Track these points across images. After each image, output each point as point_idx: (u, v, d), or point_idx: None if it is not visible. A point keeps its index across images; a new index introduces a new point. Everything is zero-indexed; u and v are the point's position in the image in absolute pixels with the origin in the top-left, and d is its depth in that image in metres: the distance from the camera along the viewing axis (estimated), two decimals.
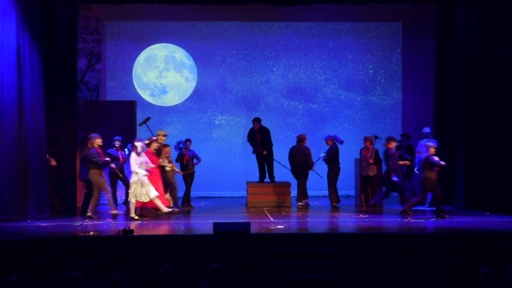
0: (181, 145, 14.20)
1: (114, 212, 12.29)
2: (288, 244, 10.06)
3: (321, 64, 16.84)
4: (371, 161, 13.61)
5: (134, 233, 10.17)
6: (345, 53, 16.83)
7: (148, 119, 13.72)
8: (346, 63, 16.86)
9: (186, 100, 16.77)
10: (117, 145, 13.52)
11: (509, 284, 6.86)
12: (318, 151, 16.18)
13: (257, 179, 14.67)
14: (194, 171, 13.86)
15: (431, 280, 6.98)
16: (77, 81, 14.43)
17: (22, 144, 12.06)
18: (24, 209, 12.05)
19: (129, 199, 12.26)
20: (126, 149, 13.70)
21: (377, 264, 7.11)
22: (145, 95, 16.68)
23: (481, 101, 13.32)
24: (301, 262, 9.69)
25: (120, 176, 13.23)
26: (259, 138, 14.37)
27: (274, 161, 14.67)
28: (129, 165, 13.59)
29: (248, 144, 14.82)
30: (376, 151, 13.78)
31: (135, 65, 16.63)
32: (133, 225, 11.11)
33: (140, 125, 13.77)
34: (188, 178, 13.90)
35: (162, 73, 16.81)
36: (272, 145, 14.59)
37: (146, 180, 12.05)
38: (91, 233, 10.52)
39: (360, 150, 14.03)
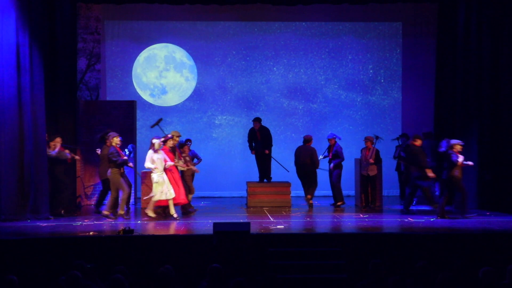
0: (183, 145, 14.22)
1: (122, 212, 12.23)
2: (288, 244, 10.06)
3: (321, 64, 16.84)
4: (371, 161, 13.61)
5: (134, 233, 10.17)
6: (345, 53, 16.83)
7: (160, 120, 13.70)
8: (346, 63, 16.87)
9: (186, 100, 16.77)
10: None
11: (509, 284, 6.86)
12: (319, 151, 16.22)
13: (257, 179, 14.67)
14: (196, 170, 13.86)
15: (431, 280, 6.98)
16: (77, 81, 14.46)
17: (22, 144, 12.06)
18: (24, 209, 12.06)
19: (151, 196, 12.20)
20: (126, 150, 13.69)
21: (377, 264, 7.11)
22: (145, 95, 16.69)
23: (481, 101, 13.33)
24: (301, 262, 9.69)
25: (139, 174, 13.20)
26: (260, 138, 14.38)
27: (273, 161, 14.67)
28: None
29: (248, 144, 14.81)
30: (377, 151, 13.77)
31: (135, 65, 16.63)
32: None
33: (152, 126, 13.77)
34: (188, 178, 13.88)
35: (162, 73, 16.81)
36: (272, 145, 14.59)
37: (166, 179, 12.04)
38: (91, 233, 10.52)
39: (361, 150, 14.03)
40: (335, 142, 14.18)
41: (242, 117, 16.73)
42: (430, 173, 12.61)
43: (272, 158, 14.64)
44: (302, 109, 16.88)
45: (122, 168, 12.33)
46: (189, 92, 16.78)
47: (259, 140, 14.40)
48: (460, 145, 12.05)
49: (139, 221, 11.86)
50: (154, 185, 12.04)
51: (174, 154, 12.70)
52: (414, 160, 12.77)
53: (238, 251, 9.52)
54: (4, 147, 11.97)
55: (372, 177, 13.68)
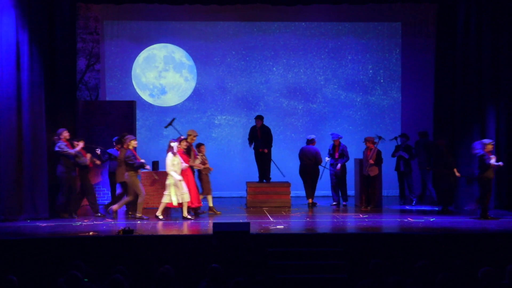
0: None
1: (139, 215, 12.12)
2: (287, 244, 10.06)
3: (320, 64, 16.83)
4: (371, 161, 13.60)
5: (134, 233, 10.17)
6: (344, 53, 16.82)
7: (173, 120, 13.69)
8: (345, 63, 16.86)
9: (186, 100, 16.76)
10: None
11: (508, 284, 6.86)
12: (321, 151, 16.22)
13: (257, 179, 14.67)
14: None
15: (431, 280, 6.98)
16: (76, 81, 14.44)
17: (20, 143, 12.06)
18: (24, 209, 12.06)
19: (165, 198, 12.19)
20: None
21: (377, 264, 7.11)
22: (145, 95, 16.68)
23: (481, 101, 13.33)
24: (300, 262, 9.69)
25: (156, 177, 13.17)
26: (260, 136, 14.36)
27: (272, 163, 14.67)
28: None
29: (247, 143, 14.81)
30: (379, 152, 13.76)
31: (134, 65, 16.62)
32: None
33: (166, 127, 13.76)
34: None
35: (162, 73, 16.80)
36: (272, 146, 14.58)
37: (181, 181, 12.06)
38: (91, 233, 10.51)
39: (364, 150, 14.04)
40: (340, 142, 14.22)
41: (242, 117, 16.72)
42: (457, 173, 12.76)
43: (272, 161, 14.63)
44: (302, 109, 16.87)
45: (139, 171, 12.34)
46: (188, 92, 16.78)
47: (259, 139, 14.40)
48: (492, 144, 12.13)
49: (138, 222, 11.86)
50: (172, 187, 12.02)
51: (189, 155, 12.69)
52: (441, 160, 12.76)
53: (237, 251, 9.51)
54: (3, 148, 11.97)
55: (372, 177, 13.68)
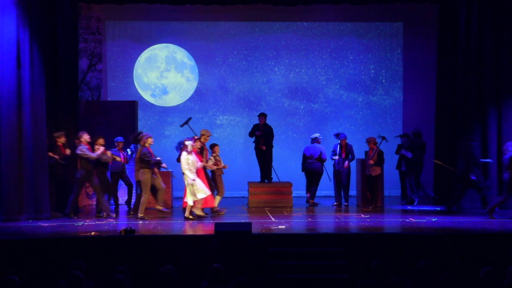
0: (182, 145, 14.19)
1: (141, 215, 12.16)
2: (289, 244, 10.06)
3: (322, 64, 16.84)
4: (371, 162, 13.60)
5: (135, 233, 10.17)
6: (346, 53, 16.83)
7: (189, 119, 13.69)
8: (347, 63, 16.86)
9: (187, 100, 16.78)
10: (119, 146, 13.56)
11: (509, 284, 6.86)
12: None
13: (259, 179, 14.67)
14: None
15: (432, 280, 6.98)
16: (78, 81, 14.45)
17: (21, 143, 12.06)
18: (25, 209, 12.06)
19: (186, 200, 12.20)
20: (128, 150, 13.72)
21: (378, 264, 7.11)
22: (146, 96, 16.69)
23: (482, 101, 13.31)
24: (302, 262, 9.69)
25: (174, 176, 13.21)
26: (262, 133, 14.34)
27: (274, 161, 14.66)
28: (131, 165, 13.63)
29: (248, 144, 14.82)
30: (380, 152, 13.75)
31: (136, 65, 16.64)
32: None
33: (182, 126, 13.76)
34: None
35: (163, 74, 16.82)
36: (273, 146, 14.57)
37: (197, 179, 12.06)
38: (92, 233, 10.52)
39: (366, 151, 14.04)
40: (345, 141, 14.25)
41: (243, 117, 16.73)
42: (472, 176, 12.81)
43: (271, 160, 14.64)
44: (304, 109, 16.87)
45: (154, 169, 12.36)
46: (190, 92, 16.79)
47: (261, 136, 14.36)
48: None
49: (140, 221, 11.86)
50: (189, 187, 12.02)
51: (202, 155, 12.70)
52: (472, 160, 12.78)
53: (239, 251, 9.52)
54: (4, 147, 11.98)
55: (374, 177, 13.67)
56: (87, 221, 11.97)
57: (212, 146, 13.14)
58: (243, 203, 14.69)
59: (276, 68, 16.85)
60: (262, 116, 14.50)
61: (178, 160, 13.66)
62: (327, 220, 12.72)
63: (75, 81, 13.61)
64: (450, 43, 13.96)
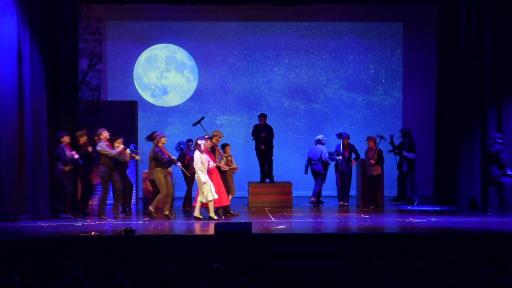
0: (182, 145, 14.22)
1: (154, 210, 12.22)
2: (289, 244, 10.06)
3: (322, 64, 16.84)
4: (372, 161, 13.60)
5: (135, 233, 10.17)
6: (346, 53, 16.83)
7: (202, 118, 13.70)
8: (347, 63, 16.86)
9: (187, 100, 16.78)
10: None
11: (510, 284, 6.86)
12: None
13: (259, 179, 14.67)
14: (195, 171, 13.82)
15: (432, 280, 6.98)
16: (78, 81, 14.45)
17: (22, 144, 12.07)
18: (25, 209, 12.06)
19: (206, 200, 12.15)
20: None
21: (378, 264, 7.11)
22: (146, 96, 16.69)
23: (483, 101, 13.31)
24: (302, 262, 9.69)
25: (189, 175, 13.26)
26: (264, 133, 14.34)
27: (275, 161, 14.67)
28: (130, 165, 13.62)
29: (248, 144, 14.82)
30: (380, 151, 13.76)
31: (136, 65, 16.64)
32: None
33: (194, 125, 13.77)
34: (189, 178, 13.91)
35: (163, 74, 16.82)
36: (273, 146, 14.57)
37: (208, 180, 12.05)
38: (92, 233, 10.52)
39: (366, 150, 14.04)
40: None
41: (244, 117, 16.73)
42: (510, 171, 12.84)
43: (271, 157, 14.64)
44: (304, 109, 16.87)
45: (169, 170, 12.42)
46: (190, 92, 16.79)
47: (261, 136, 14.36)
48: None
49: (140, 221, 11.86)
50: (203, 186, 12.01)
51: (214, 155, 12.70)
52: (497, 159, 12.79)
53: (239, 251, 9.51)
54: (5, 148, 11.98)
55: (375, 177, 13.67)
56: (87, 221, 11.97)
57: (224, 146, 13.16)
58: (243, 203, 14.69)
59: (276, 68, 16.85)
60: (262, 116, 14.51)
61: (179, 160, 13.71)
62: (327, 220, 12.73)
63: (75, 81, 13.61)
64: (450, 43, 13.97)
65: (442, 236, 10.26)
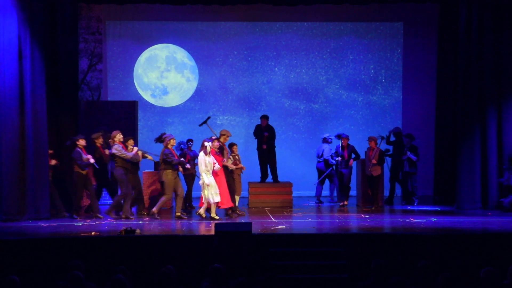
0: (182, 145, 14.21)
1: (155, 211, 12.23)
2: (289, 244, 10.06)
3: (322, 64, 16.84)
4: (373, 161, 13.59)
5: (136, 234, 10.17)
6: (346, 53, 16.83)
7: (208, 118, 13.70)
8: (347, 63, 16.86)
9: (188, 100, 16.78)
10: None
11: (510, 284, 6.85)
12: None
13: (259, 179, 14.67)
14: (195, 172, 13.84)
15: (432, 280, 6.98)
16: (78, 81, 14.46)
17: (22, 144, 12.08)
18: (26, 209, 12.06)
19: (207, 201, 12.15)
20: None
21: (378, 264, 7.11)
22: (146, 96, 16.69)
23: (483, 101, 13.32)
24: (302, 262, 9.69)
25: (198, 176, 13.27)
26: (267, 133, 14.34)
27: (277, 161, 14.68)
28: None
29: (249, 144, 14.82)
30: (381, 152, 13.76)
31: (136, 65, 16.64)
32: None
33: (200, 125, 13.79)
34: (190, 178, 13.92)
35: (163, 74, 16.82)
36: (275, 146, 14.57)
37: (212, 182, 12.04)
38: (92, 233, 10.52)
39: (366, 150, 14.04)
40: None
41: (244, 118, 16.73)
42: None
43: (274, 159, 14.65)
44: (304, 109, 16.87)
45: (177, 170, 12.47)
46: (190, 92, 16.79)
47: (264, 137, 14.36)
48: None
49: (140, 222, 11.86)
50: (206, 188, 12.00)
51: (222, 155, 12.69)
52: None
53: (239, 251, 9.51)
54: (5, 148, 11.99)
55: (375, 177, 13.67)
56: (87, 221, 11.97)
57: (231, 145, 13.15)
58: (243, 203, 14.68)
59: (276, 68, 16.84)
60: (264, 118, 14.48)
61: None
62: (327, 220, 12.73)
63: (75, 81, 13.62)
64: (450, 43, 13.97)
65: (442, 236, 10.26)
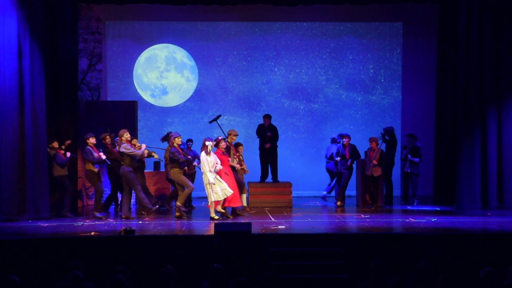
0: (182, 145, 14.19)
1: (179, 204, 12.24)
2: (289, 244, 10.06)
3: (322, 64, 16.84)
4: (374, 162, 13.59)
5: (135, 233, 10.17)
6: (346, 53, 16.83)
7: (218, 116, 13.69)
8: (347, 63, 16.86)
9: (187, 100, 16.77)
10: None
11: (510, 284, 6.86)
12: (319, 151, 16.22)
13: (259, 179, 14.66)
14: (195, 172, 13.84)
15: (432, 280, 6.98)
16: (78, 81, 14.45)
17: (22, 144, 12.07)
18: (25, 209, 12.06)
19: (210, 201, 12.15)
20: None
21: (378, 264, 7.11)
22: (146, 96, 16.69)
23: (483, 101, 13.32)
24: (302, 262, 9.69)
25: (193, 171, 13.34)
26: (269, 132, 14.34)
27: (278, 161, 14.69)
28: None
29: (249, 144, 14.80)
30: (382, 152, 13.75)
31: (136, 65, 16.64)
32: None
33: (210, 122, 13.77)
34: (189, 178, 13.90)
35: (163, 74, 16.81)
36: (277, 146, 14.56)
37: (218, 178, 12.05)
38: (92, 233, 10.52)
39: (366, 151, 14.03)
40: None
41: (243, 118, 16.73)
42: None
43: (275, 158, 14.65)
44: (303, 109, 16.87)
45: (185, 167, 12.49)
46: (190, 92, 16.79)
47: (267, 137, 14.36)
48: None
49: (140, 221, 11.86)
50: (208, 186, 12.00)
51: (229, 154, 12.68)
52: None
53: (239, 251, 9.51)
54: (6, 148, 11.98)
55: (376, 178, 13.67)
56: (87, 221, 11.97)
57: (237, 145, 13.18)
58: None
59: (276, 68, 16.84)
60: (267, 117, 14.48)
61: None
62: (326, 220, 12.73)
63: (75, 81, 13.61)
64: (450, 43, 13.96)
65: (442, 236, 10.26)
